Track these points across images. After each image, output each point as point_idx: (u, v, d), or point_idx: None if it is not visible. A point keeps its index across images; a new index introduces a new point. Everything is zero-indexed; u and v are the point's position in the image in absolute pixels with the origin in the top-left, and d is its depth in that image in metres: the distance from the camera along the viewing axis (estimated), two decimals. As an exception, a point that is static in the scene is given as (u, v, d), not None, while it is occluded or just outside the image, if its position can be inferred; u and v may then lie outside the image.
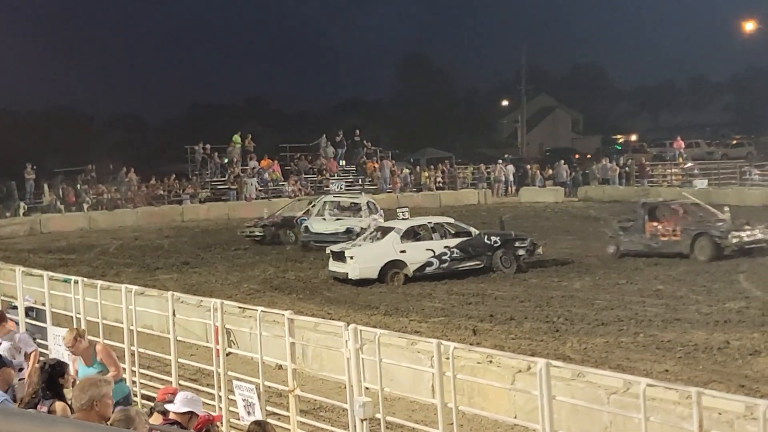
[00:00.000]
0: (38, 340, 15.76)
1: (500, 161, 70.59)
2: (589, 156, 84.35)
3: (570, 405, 12.87)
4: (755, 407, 10.44)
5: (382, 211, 41.38)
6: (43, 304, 20.46)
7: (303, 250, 38.49)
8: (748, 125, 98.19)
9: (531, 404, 12.27)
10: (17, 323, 20.32)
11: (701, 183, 59.77)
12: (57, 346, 17.85)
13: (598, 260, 33.09)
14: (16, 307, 21.29)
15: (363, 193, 45.79)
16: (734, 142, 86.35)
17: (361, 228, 37.32)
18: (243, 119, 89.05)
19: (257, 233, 41.79)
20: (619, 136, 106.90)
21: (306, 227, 39.83)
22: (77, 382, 10.64)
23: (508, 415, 14.31)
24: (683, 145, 74.05)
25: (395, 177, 64.20)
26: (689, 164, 69.08)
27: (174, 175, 61.73)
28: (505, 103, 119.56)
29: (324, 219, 40.60)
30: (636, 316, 23.12)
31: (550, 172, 69.03)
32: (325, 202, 42.85)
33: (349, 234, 37.19)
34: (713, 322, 22.29)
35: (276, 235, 41.46)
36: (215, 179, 61.25)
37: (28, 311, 20.88)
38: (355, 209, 41.53)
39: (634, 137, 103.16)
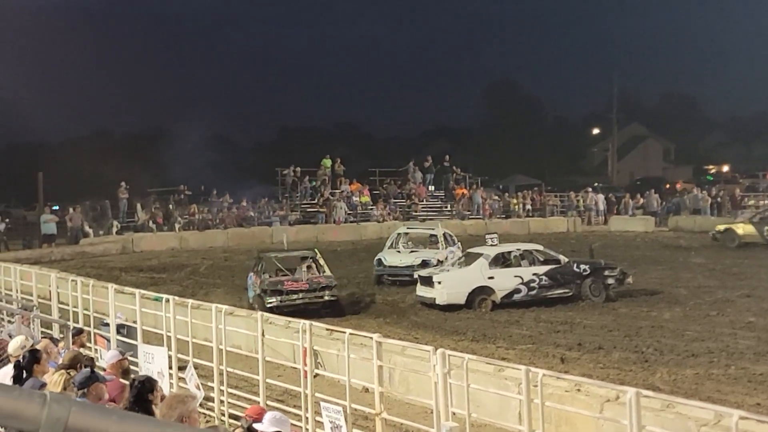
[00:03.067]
0: (129, 358, 15.90)
1: (590, 189, 70.15)
2: (679, 185, 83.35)
3: (660, 435, 12.71)
4: None
5: (459, 243, 39.80)
6: (135, 322, 20.73)
7: (376, 284, 37.08)
8: None
9: (621, 434, 12.13)
10: (108, 340, 20.64)
11: (797, 214, 58.72)
12: (147, 363, 18.07)
13: (688, 291, 32.69)
14: (107, 324, 21.61)
15: (439, 225, 43.70)
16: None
17: (438, 260, 36.19)
18: (332, 143, 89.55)
19: None
20: (710, 167, 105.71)
21: (379, 260, 38.06)
22: (164, 399, 10.78)
23: (597, 445, 14.19)
24: (776, 177, 73.09)
25: (485, 204, 64.05)
26: (785, 195, 68.14)
27: (265, 198, 62.25)
28: (595, 131, 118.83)
29: (398, 251, 39.02)
30: (727, 348, 22.80)
31: (641, 201, 68.35)
32: (399, 233, 41.36)
33: (426, 267, 35.27)
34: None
35: None
36: (305, 202, 61.59)
37: (120, 328, 21.16)
38: (432, 241, 39.85)
39: (726, 168, 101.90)
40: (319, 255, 33.22)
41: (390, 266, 37.57)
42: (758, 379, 19.80)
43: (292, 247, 36.59)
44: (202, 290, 34.60)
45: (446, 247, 38.23)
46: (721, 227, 51.50)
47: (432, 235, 40.37)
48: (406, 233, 41.74)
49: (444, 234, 39.71)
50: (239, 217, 58.86)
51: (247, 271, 35.40)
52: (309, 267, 31.89)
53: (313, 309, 29.45)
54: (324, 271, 31.80)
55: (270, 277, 31.09)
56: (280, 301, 29.65)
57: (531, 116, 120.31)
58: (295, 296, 29.97)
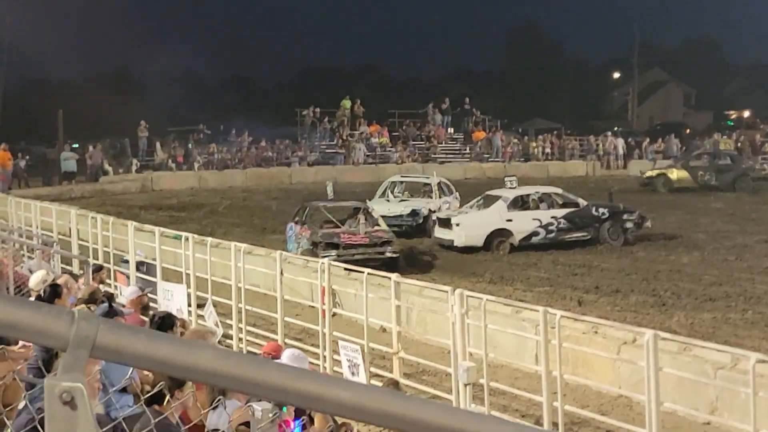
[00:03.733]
0: (149, 294, 16.00)
1: (609, 133, 69.84)
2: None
3: (676, 378, 12.76)
4: None
5: (457, 193, 37.86)
6: (154, 259, 20.83)
7: None
8: None
9: (636, 376, 12.20)
10: (128, 276, 20.76)
11: (816, 160, 58.56)
12: (166, 300, 18.19)
13: (707, 236, 32.62)
14: (127, 261, 21.73)
15: (435, 174, 40.55)
16: None
17: (430, 210, 34.47)
18: (352, 85, 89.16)
19: None
20: (731, 112, 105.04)
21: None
22: (184, 335, 10.86)
23: (612, 386, 14.24)
24: (797, 123, 72.56)
25: (505, 147, 63.88)
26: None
27: (284, 138, 62.25)
28: (616, 75, 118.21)
29: (388, 200, 37.10)
30: (745, 292, 22.79)
31: (661, 145, 68.02)
32: (392, 182, 39.43)
33: (415, 217, 34.40)
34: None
35: None
36: (324, 143, 61.50)
37: (139, 266, 21.28)
38: (425, 191, 37.77)
39: (747, 114, 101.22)
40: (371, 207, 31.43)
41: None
42: (775, 323, 19.84)
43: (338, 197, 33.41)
44: (221, 229, 34.68)
45: (440, 197, 36.35)
46: (653, 173, 51.41)
47: (426, 184, 38.51)
48: (401, 182, 39.93)
49: (439, 183, 37.56)
50: (258, 157, 58.89)
51: (266, 211, 35.46)
52: (361, 219, 29.03)
53: (373, 266, 24.80)
54: (378, 224, 29.53)
55: (321, 228, 29.06)
56: (338, 256, 26.43)
57: (551, 60, 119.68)
58: (353, 251, 27.27)
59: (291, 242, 29.79)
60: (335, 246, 27.60)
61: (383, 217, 32.07)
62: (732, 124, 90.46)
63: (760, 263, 27.05)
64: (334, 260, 24.71)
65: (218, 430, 7.71)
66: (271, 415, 4.47)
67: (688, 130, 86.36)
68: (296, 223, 30.11)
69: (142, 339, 1.76)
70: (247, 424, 6.34)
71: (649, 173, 51.38)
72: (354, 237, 27.98)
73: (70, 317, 1.73)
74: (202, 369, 1.78)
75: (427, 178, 40.06)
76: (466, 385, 13.01)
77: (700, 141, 69.19)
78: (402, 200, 37.13)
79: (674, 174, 50.03)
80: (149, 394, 7.36)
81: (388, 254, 27.70)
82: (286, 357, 10.13)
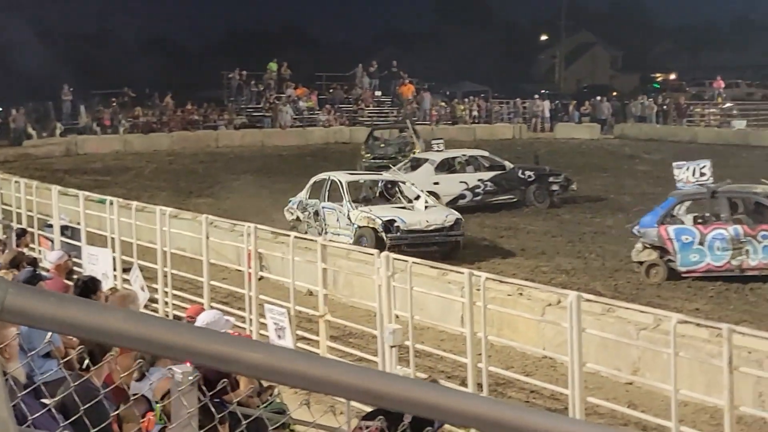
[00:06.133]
0: (74, 259, 15.88)
1: (537, 96, 70.06)
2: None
3: (599, 339, 12.94)
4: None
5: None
6: (78, 224, 20.66)
7: None
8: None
9: (560, 337, 12.34)
10: (52, 241, 20.56)
11: (740, 123, 59.19)
12: (91, 264, 18.04)
13: (632, 198, 32.94)
14: (51, 226, 21.52)
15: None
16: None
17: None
18: (279, 47, 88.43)
19: None
20: (658, 75, 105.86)
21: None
22: (108, 299, 10.81)
23: (537, 347, 14.39)
24: (723, 85, 73.12)
25: (432, 109, 63.87)
26: (728, 104, 68.21)
27: (210, 102, 61.78)
28: (543, 38, 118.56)
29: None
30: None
31: (588, 108, 68.39)
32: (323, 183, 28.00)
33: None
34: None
35: None
36: (250, 106, 61.11)
37: (64, 230, 21.07)
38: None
39: (673, 76, 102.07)
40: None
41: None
42: (697, 284, 20.13)
43: None
44: (147, 193, 34.38)
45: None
46: None
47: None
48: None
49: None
50: (184, 120, 58.33)
51: (192, 175, 35.15)
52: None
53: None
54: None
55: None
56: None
57: (480, 23, 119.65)
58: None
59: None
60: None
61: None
62: (658, 86, 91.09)
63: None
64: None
65: (137, 394, 7.70)
66: (191, 377, 4.45)
67: (615, 93, 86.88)
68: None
69: (52, 302, 1.75)
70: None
71: None
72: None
73: (-23, 281, 1.72)
74: (113, 331, 1.78)
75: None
76: (392, 347, 13.06)
77: (627, 103, 69.65)
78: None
79: None
80: (66, 359, 7.34)
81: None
82: (201, 319, 10.09)
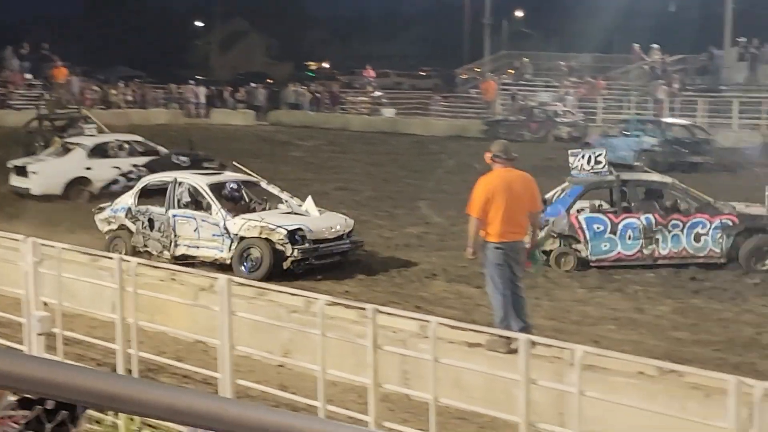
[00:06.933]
0: None
1: (192, 82, 69.85)
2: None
3: (252, 322, 13.09)
4: (427, 326, 10.91)
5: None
6: None
7: None
8: (435, 58, 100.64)
9: (213, 321, 12.37)
10: None
11: (389, 112, 61.18)
12: None
13: (286, 183, 33.36)
14: None
15: None
16: (422, 73, 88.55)
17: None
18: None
19: None
20: (311, 63, 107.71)
21: None
22: None
23: (189, 332, 14.38)
24: (373, 75, 75.21)
25: (84, 93, 62.54)
26: (378, 93, 70.10)
27: None
28: (199, 24, 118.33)
29: None
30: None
31: (243, 95, 68.82)
32: None
33: None
34: (394, 246, 23.10)
35: None
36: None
37: None
38: None
39: (326, 65, 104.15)
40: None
41: None
42: (348, 269, 20.74)
43: None
44: None
45: None
46: None
47: None
48: None
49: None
50: None
51: None
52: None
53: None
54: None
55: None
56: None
57: (135, 6, 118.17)
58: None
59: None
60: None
61: None
62: (314, 74, 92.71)
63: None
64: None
65: None
66: None
67: (270, 80, 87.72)
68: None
69: None
70: None
71: None
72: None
73: None
74: None
75: None
76: (39, 335, 12.74)
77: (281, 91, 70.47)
78: None
79: None
80: None
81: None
82: None
